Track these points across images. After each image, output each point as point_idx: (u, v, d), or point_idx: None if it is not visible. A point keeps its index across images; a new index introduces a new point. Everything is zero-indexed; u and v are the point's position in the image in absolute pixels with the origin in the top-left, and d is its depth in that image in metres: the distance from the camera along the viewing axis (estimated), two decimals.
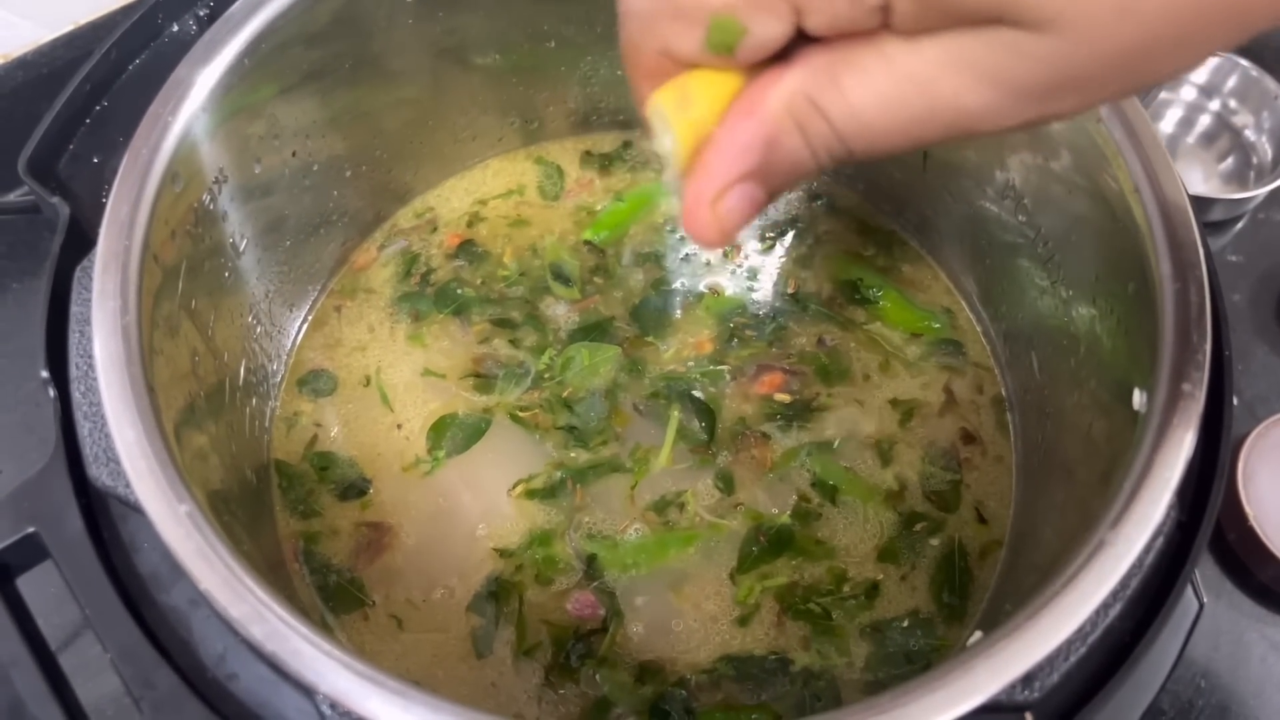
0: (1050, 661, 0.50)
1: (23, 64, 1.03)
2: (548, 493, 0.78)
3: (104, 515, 0.58)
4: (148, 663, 0.53)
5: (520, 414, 0.82)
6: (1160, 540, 0.53)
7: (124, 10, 1.05)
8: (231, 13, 0.66)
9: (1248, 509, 0.84)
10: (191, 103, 0.63)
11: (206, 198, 0.66)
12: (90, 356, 0.57)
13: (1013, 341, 0.82)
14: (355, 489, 0.79)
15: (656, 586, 0.75)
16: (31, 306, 1.00)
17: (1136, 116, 0.62)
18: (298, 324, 0.85)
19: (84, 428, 0.56)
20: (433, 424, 0.81)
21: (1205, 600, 0.57)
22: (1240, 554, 0.87)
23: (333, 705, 0.49)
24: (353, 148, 0.82)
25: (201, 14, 0.73)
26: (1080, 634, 0.50)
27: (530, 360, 0.84)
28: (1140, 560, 0.52)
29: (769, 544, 0.76)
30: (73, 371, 0.58)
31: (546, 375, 0.83)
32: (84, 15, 1.04)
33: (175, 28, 0.73)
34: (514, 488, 0.79)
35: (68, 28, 1.04)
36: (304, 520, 0.77)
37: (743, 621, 0.74)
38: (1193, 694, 0.83)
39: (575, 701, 0.71)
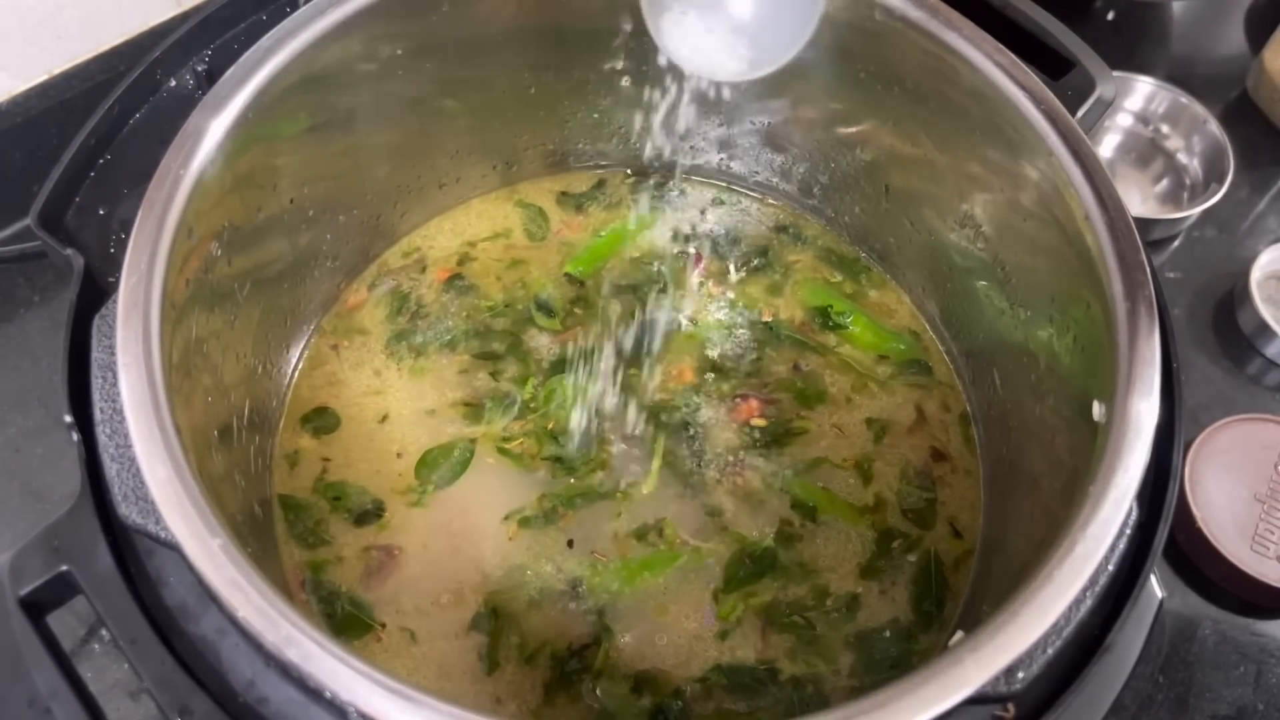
0: (1030, 654, 0.54)
1: None
2: (538, 520, 0.82)
3: (130, 552, 0.60)
4: (183, 689, 0.55)
5: (506, 445, 0.85)
6: (1123, 540, 0.58)
7: (97, 60, 1.06)
8: (235, 69, 0.68)
9: (1195, 511, 0.88)
10: (201, 155, 0.65)
11: (215, 245, 0.69)
12: (115, 400, 0.59)
13: (975, 360, 0.87)
14: (371, 515, 0.82)
15: (643, 605, 0.79)
16: (5, 352, 1.03)
17: (1085, 151, 0.67)
18: (294, 363, 0.88)
19: (111, 468, 0.58)
20: (420, 459, 0.84)
21: (1164, 595, 0.62)
22: (1190, 555, 0.91)
23: None
24: (345, 192, 0.85)
25: (199, 69, 0.76)
26: (1056, 628, 0.54)
27: (515, 390, 0.87)
28: (1107, 559, 0.56)
29: (753, 566, 0.80)
30: (97, 415, 0.60)
31: (532, 404, 0.87)
32: (58, 65, 1.05)
33: (173, 82, 0.76)
34: (506, 516, 0.82)
35: (41, 78, 1.04)
36: (310, 550, 0.80)
37: (724, 635, 0.78)
38: (1152, 689, 0.86)
39: (577, 717, 0.75)
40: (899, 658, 0.77)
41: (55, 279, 1.06)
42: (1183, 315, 1.07)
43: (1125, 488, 0.57)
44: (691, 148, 0.98)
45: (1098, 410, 0.63)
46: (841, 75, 0.83)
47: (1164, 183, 1.17)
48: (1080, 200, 0.67)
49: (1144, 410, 0.60)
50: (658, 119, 0.94)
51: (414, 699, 0.51)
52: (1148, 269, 0.64)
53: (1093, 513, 0.56)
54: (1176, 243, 1.13)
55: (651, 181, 1.01)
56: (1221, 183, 1.09)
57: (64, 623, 0.75)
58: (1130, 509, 0.57)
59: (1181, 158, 1.17)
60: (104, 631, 0.59)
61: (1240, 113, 1.23)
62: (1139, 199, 1.16)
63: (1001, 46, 0.73)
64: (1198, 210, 1.08)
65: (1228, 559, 0.87)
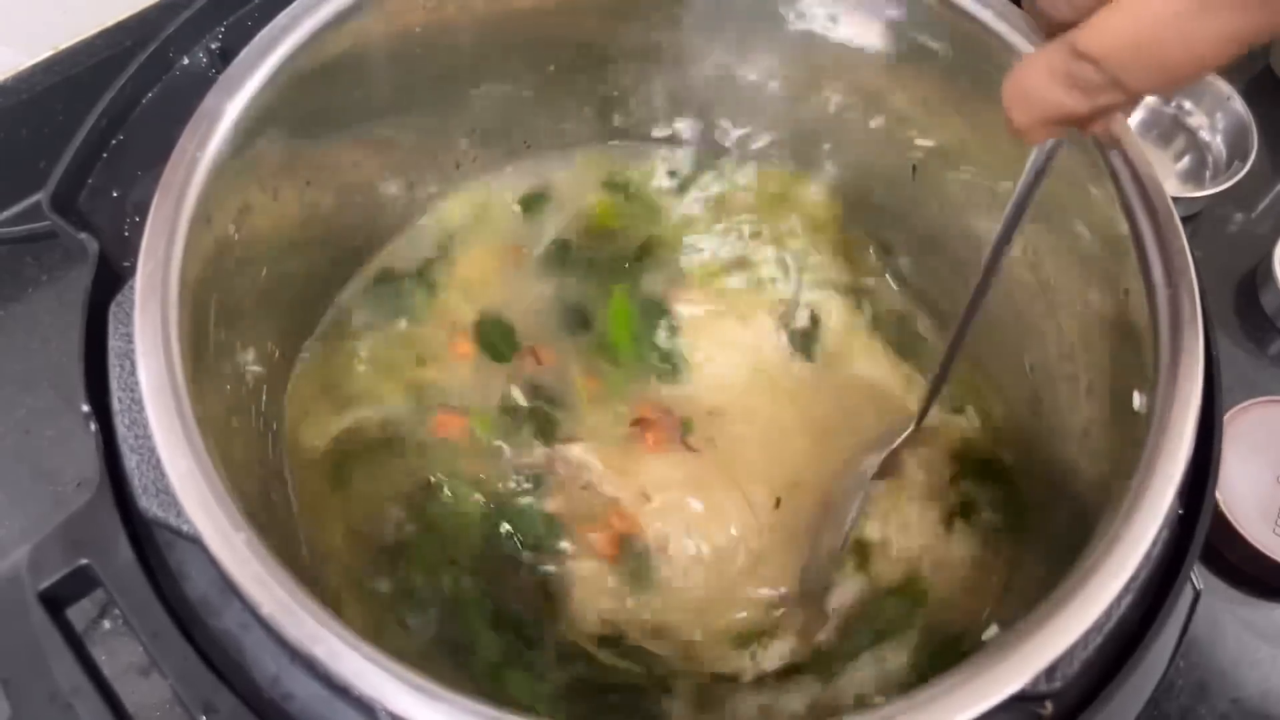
0: (1071, 652, 0.52)
1: (2, 90, 1.01)
2: None
3: (150, 544, 0.58)
4: (206, 686, 0.54)
5: None
6: (1164, 533, 0.57)
7: (102, 35, 1.05)
8: (251, 49, 0.66)
9: (1217, 494, 0.88)
10: (217, 138, 0.63)
11: (232, 229, 0.67)
12: (134, 390, 0.58)
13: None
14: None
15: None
16: (14, 333, 1.02)
17: (1124, 131, 0.66)
18: (312, 347, 0.85)
19: (131, 460, 0.57)
20: None
21: (1201, 587, 0.61)
22: (1212, 538, 0.88)
23: None
24: (363, 174, 0.83)
25: (213, 47, 0.74)
26: (1097, 625, 0.53)
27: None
28: (1149, 553, 0.55)
29: None
30: (115, 405, 0.59)
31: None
32: (64, 40, 1.03)
33: (186, 61, 0.74)
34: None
35: (47, 53, 1.03)
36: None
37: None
38: (1173, 674, 0.85)
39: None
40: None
41: (63, 258, 1.05)
42: None
43: (1169, 478, 0.56)
44: (720, 133, 0.95)
45: (1138, 400, 0.61)
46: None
47: (1186, 160, 1.16)
48: (1118, 181, 0.65)
49: (1186, 398, 0.58)
50: (683, 102, 0.92)
51: (442, 697, 0.50)
52: (1188, 254, 0.62)
53: (1135, 506, 0.55)
54: (1198, 222, 1.11)
55: (678, 177, 0.97)
56: (1245, 161, 1.08)
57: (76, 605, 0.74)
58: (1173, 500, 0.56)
59: (1204, 135, 1.16)
60: (116, 610, 0.58)
61: (1264, 89, 1.21)
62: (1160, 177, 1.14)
63: (1034, 22, 0.71)
64: (1220, 189, 1.07)
65: (1250, 542, 0.87)
